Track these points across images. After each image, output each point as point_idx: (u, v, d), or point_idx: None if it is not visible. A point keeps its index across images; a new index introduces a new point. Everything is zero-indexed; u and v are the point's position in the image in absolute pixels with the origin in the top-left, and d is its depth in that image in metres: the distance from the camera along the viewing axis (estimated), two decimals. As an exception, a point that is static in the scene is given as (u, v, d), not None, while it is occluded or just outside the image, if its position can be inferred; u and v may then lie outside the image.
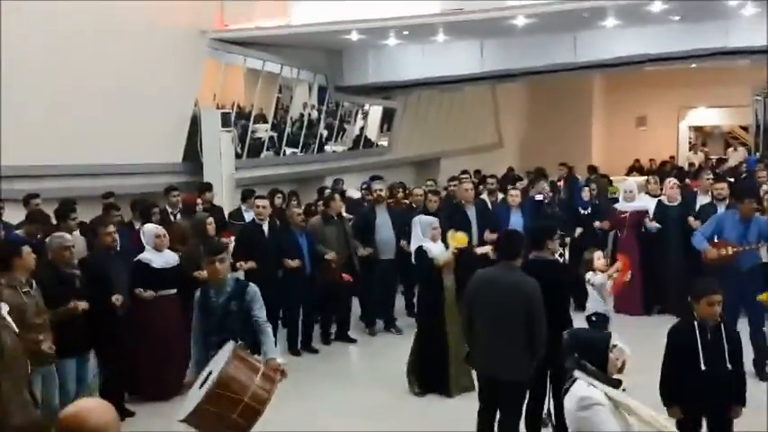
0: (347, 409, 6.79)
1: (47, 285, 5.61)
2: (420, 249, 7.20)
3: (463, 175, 12.62)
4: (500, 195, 10.67)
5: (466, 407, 5.99)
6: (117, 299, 6.32)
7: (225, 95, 13.87)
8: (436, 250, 7.19)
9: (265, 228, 8.42)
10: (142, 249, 7.04)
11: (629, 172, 18.67)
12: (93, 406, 2.42)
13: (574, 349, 3.65)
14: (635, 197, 9.87)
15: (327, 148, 16.47)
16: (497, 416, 5.44)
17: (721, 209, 8.93)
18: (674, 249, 9.45)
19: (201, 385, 4.49)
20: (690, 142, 25.38)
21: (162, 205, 9.09)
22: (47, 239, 6.25)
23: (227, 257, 5.28)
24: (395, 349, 8.28)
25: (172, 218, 8.89)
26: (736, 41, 13.06)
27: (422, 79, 15.42)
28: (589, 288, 6.38)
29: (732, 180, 13.06)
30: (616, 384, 3.54)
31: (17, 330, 4.79)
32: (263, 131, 14.50)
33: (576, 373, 3.58)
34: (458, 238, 7.21)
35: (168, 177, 11.48)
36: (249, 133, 13.85)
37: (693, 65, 17.73)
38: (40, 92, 9.72)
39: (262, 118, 14.55)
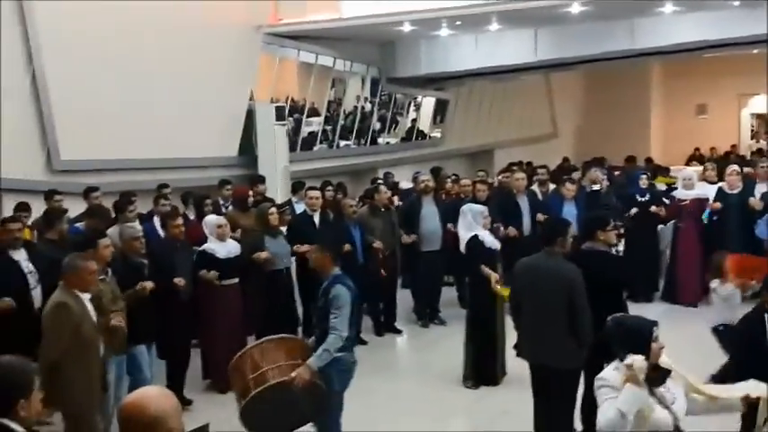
0: (397, 403, 6.76)
1: (118, 273, 5.85)
2: (476, 238, 7.11)
3: (514, 167, 12.48)
4: (551, 186, 10.52)
5: (516, 397, 5.95)
6: (179, 280, 6.51)
7: (279, 89, 14.00)
8: (489, 239, 7.14)
9: (316, 219, 8.49)
10: (195, 240, 7.21)
11: (689, 161, 18.20)
12: (153, 394, 2.42)
13: (616, 337, 3.60)
14: (694, 185, 9.63)
15: (380, 140, 16.49)
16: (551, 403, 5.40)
17: None
18: (734, 237, 9.14)
19: None
20: (752, 130, 24.64)
21: (214, 198, 9.29)
22: (110, 230, 6.47)
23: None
24: (444, 341, 8.29)
25: (223, 209, 9.06)
26: (799, 25, 12.59)
27: (475, 69, 15.28)
28: (714, 297, 6.05)
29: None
30: (660, 374, 3.47)
31: (95, 318, 5.01)
32: (316, 124, 14.60)
33: (617, 362, 3.54)
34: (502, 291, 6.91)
35: (224, 171, 11.68)
36: (302, 126, 13.96)
37: (755, 50, 17.16)
38: (99, 87, 9.98)
39: (315, 111, 14.66)
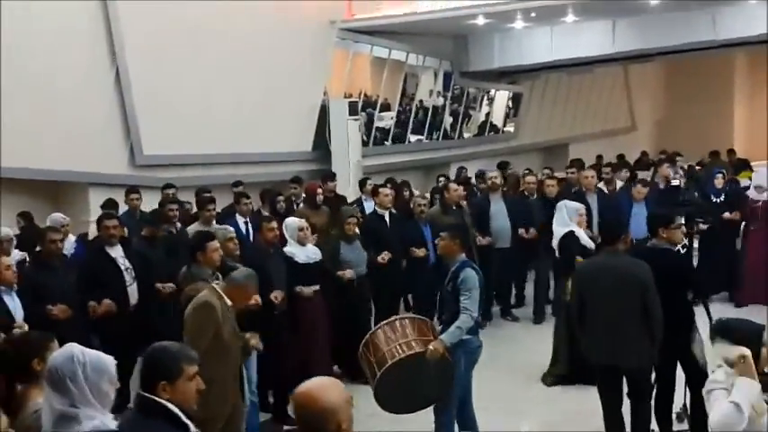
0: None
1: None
2: (571, 235, 6.94)
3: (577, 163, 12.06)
4: (618, 183, 10.24)
5: (587, 396, 5.85)
6: (276, 296, 6.24)
7: (352, 85, 14.09)
8: (585, 237, 6.98)
9: (387, 218, 8.32)
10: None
11: (775, 155, 17.50)
12: (327, 384, 2.49)
13: (723, 338, 3.47)
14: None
15: (453, 134, 16.41)
16: (622, 404, 5.33)
17: None
18: None
19: None
20: (844, 122, 23.50)
21: (287, 194, 9.24)
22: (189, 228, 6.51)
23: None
24: (513, 337, 8.24)
25: (294, 206, 8.94)
26: None
27: (550, 62, 15.05)
28: None
29: None
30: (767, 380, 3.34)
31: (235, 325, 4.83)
32: (389, 119, 14.63)
33: (723, 364, 3.42)
34: None
35: (298, 166, 11.84)
36: (375, 121, 14.01)
37: None
38: (179, 84, 10.25)
39: (387, 106, 14.69)
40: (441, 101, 15.86)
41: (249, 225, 8.01)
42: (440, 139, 15.79)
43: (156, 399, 2.79)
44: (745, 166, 14.27)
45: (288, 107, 11.91)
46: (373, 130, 13.92)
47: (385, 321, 5.45)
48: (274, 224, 6.67)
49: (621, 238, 5.30)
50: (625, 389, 5.35)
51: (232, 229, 6.58)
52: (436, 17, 12.91)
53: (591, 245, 6.96)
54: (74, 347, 2.87)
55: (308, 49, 12.16)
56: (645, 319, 5.06)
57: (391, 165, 13.76)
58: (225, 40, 10.75)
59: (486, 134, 17.43)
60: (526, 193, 9.37)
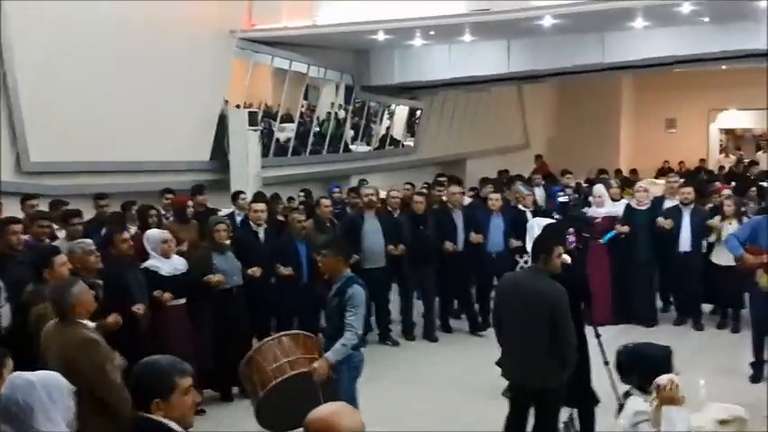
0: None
1: None
2: None
3: (440, 177, 12.44)
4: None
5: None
6: (138, 308, 6.01)
7: (253, 95, 13.98)
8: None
9: (261, 234, 8.01)
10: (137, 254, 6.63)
11: (659, 174, 18.44)
12: (344, 411, 2.42)
13: (635, 368, 3.56)
14: (604, 202, 9.65)
15: (353, 147, 16.51)
16: (524, 420, 5.37)
17: (686, 213, 8.94)
18: (643, 254, 9.32)
19: None
20: (720, 145, 25.03)
21: (163, 203, 9.04)
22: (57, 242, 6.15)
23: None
24: (385, 361, 8.19)
25: (164, 220, 8.53)
26: (766, 42, 12.84)
27: (448, 79, 15.37)
28: None
29: (763, 184, 12.94)
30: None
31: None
32: (290, 131, 14.59)
33: (633, 391, 3.53)
34: None
35: (195, 175, 11.64)
36: (275, 132, 13.94)
37: (724, 66, 17.49)
38: (70, 90, 9.91)
39: (288, 117, 14.65)
40: (342, 114, 15.95)
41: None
42: (341, 151, 15.85)
43: (154, 418, 2.70)
44: (630, 184, 14.93)
45: (185, 116, 11.70)
46: (273, 142, 13.85)
47: (270, 338, 5.40)
48: (127, 234, 6.47)
49: (541, 257, 5.14)
50: None
51: (90, 241, 6.18)
52: (336, 31, 13.00)
53: (566, 261, 6.65)
54: (21, 375, 2.76)
55: (207, 58, 12.00)
56: (554, 340, 5.00)
57: (291, 176, 13.72)
58: (119, 46, 10.47)
59: (386, 148, 17.63)
60: (389, 209, 9.25)
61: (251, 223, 8.20)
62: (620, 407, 3.62)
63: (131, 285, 6.13)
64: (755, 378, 7.36)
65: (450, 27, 13.02)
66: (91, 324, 4.60)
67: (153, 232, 6.83)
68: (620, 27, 13.22)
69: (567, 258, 5.60)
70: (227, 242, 7.16)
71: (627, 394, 3.61)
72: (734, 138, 25.86)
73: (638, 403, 3.46)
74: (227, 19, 12.34)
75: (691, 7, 11.53)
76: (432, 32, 13.54)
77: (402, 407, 6.94)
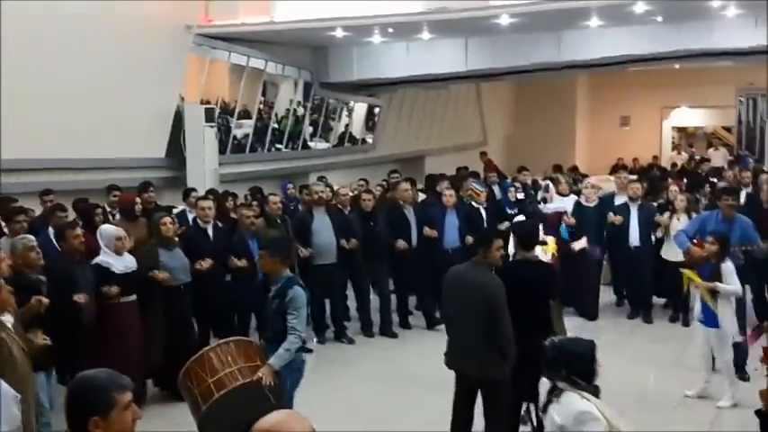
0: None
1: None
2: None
3: (394, 174, 12.47)
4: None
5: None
6: (80, 297, 6.02)
7: (210, 91, 13.83)
8: (544, 257, 6.83)
9: (210, 231, 7.93)
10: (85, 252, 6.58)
11: (613, 171, 18.75)
12: (289, 419, 2.31)
13: (562, 362, 3.60)
14: (553, 198, 9.85)
15: (312, 144, 16.46)
16: (469, 409, 5.47)
17: (634, 209, 9.16)
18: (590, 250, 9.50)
19: None
20: (673, 142, 25.54)
21: (110, 200, 8.91)
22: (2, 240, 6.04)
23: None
24: (341, 358, 8.22)
25: (111, 218, 8.44)
26: (719, 42, 13.13)
27: (406, 77, 15.40)
28: None
29: (714, 180, 13.25)
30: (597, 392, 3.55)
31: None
32: (248, 127, 14.48)
33: (564, 386, 3.56)
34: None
35: (150, 172, 11.47)
36: (233, 129, 13.82)
37: (677, 65, 17.84)
38: (18, 83, 9.65)
39: (246, 114, 14.54)
40: (301, 110, 15.88)
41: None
42: (299, 148, 15.79)
43: None
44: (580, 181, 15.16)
45: (140, 112, 11.52)
46: (231, 138, 13.73)
47: (208, 347, 5.18)
48: (79, 231, 6.44)
49: (481, 251, 5.32)
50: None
51: (32, 237, 6.10)
52: (294, 27, 12.92)
53: (537, 256, 6.71)
54: None
55: (163, 53, 11.83)
56: (492, 332, 5.13)
57: (249, 173, 13.61)
58: (72, 42, 10.26)
59: (345, 145, 17.61)
60: (340, 207, 9.28)
61: (198, 221, 8.15)
62: (548, 402, 3.63)
63: (79, 281, 6.12)
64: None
65: (408, 25, 13.06)
66: (7, 319, 4.53)
67: (108, 228, 6.76)
68: (576, 26, 13.39)
69: (537, 254, 5.75)
70: (175, 237, 7.12)
71: (555, 389, 3.61)
72: (686, 135, 26.40)
73: (576, 401, 3.48)
74: (184, 15, 12.18)
75: (644, 7, 11.73)
76: (390, 30, 13.56)
77: (360, 404, 6.95)
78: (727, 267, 6.66)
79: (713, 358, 6.96)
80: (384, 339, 9.10)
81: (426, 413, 6.49)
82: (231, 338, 5.30)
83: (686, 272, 6.92)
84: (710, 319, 6.69)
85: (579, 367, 3.54)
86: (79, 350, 6.00)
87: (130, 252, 6.79)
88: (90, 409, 2.54)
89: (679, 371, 7.48)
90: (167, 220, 7.06)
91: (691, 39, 13.29)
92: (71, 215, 8.11)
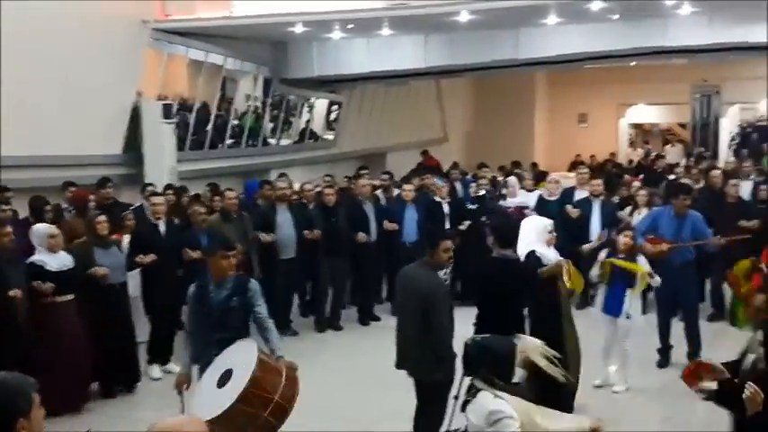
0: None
1: None
2: (533, 255, 6.08)
3: (363, 171, 12.52)
4: (396, 191, 10.81)
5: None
6: (15, 293, 5.95)
7: (168, 87, 13.66)
8: (551, 255, 6.21)
9: (162, 227, 7.77)
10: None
11: (571, 168, 18.98)
12: (186, 422, 2.34)
13: (480, 361, 3.60)
14: (516, 193, 9.97)
15: (272, 141, 16.36)
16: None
17: (596, 205, 9.30)
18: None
19: (221, 385, 4.51)
20: (629, 139, 25.93)
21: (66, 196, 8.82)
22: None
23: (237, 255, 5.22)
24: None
25: (66, 214, 8.33)
26: (674, 40, 13.37)
27: (367, 73, 15.40)
28: None
29: (670, 177, 13.48)
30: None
31: None
32: (207, 124, 14.33)
33: (480, 385, 3.56)
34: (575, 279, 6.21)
35: (107, 169, 11.28)
36: (192, 125, 13.68)
37: (633, 63, 18.11)
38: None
39: (205, 110, 14.39)
40: (260, 106, 15.77)
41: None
42: (259, 145, 15.68)
43: None
44: (543, 177, 15.33)
45: (95, 108, 11.32)
46: (189, 135, 13.57)
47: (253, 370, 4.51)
48: (9, 228, 6.39)
49: (428, 251, 5.24)
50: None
51: None
52: (253, 22, 12.84)
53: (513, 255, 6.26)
54: None
55: (119, 48, 11.64)
56: (428, 332, 5.08)
57: (208, 170, 13.46)
58: (26, 36, 10.04)
59: (306, 141, 17.54)
60: (305, 201, 9.39)
61: (149, 216, 8.00)
62: (466, 402, 3.64)
63: (10, 279, 6.04)
64: (662, 363, 7.66)
65: (368, 21, 13.05)
66: None
67: (39, 227, 6.74)
68: (534, 24, 13.53)
69: (514, 252, 5.66)
70: (111, 236, 7.09)
71: (472, 388, 3.62)
72: (642, 132, 26.84)
73: (489, 400, 3.48)
74: (140, 9, 12.01)
75: (601, 5, 11.90)
76: (350, 26, 13.54)
77: (313, 400, 6.90)
78: (641, 259, 6.95)
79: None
80: (337, 335, 9.15)
81: (387, 408, 6.48)
82: (255, 347, 4.84)
83: (616, 261, 6.89)
84: (614, 309, 6.84)
85: (498, 367, 3.55)
86: (9, 352, 5.78)
87: (64, 249, 6.69)
88: (17, 411, 2.51)
89: (639, 364, 7.48)
90: (101, 219, 7.01)
91: (646, 37, 13.52)
92: (22, 213, 7.97)
